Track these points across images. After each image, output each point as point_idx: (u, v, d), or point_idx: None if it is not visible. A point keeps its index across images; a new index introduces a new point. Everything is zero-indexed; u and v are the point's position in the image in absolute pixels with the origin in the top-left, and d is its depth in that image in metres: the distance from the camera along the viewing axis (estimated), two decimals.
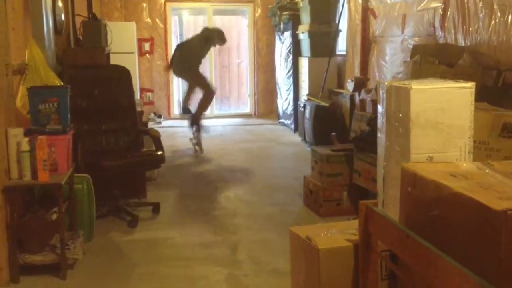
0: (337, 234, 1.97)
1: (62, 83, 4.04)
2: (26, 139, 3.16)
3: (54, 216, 3.26)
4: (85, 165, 3.95)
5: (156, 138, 4.47)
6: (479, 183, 1.69)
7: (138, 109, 4.98)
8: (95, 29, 5.30)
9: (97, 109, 4.44)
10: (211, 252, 3.61)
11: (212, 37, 7.16)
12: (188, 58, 7.05)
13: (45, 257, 3.22)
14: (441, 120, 2.00)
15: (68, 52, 5.19)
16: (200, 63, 7.25)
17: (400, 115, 2.05)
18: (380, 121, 2.25)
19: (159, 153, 4.36)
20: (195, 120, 7.10)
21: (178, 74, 7.51)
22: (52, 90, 3.62)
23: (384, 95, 2.20)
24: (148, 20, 9.41)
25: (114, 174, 4.23)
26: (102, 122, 4.46)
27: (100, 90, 4.48)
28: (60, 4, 5.11)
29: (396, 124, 2.09)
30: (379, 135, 2.28)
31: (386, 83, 2.20)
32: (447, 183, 1.68)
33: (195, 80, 7.17)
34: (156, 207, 4.43)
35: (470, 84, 2.02)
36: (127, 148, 4.46)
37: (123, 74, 4.60)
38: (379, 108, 2.27)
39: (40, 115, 3.43)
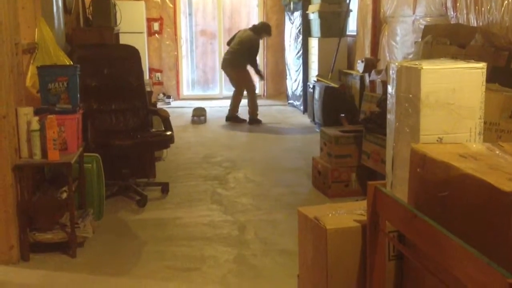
0: (345, 215, 1.97)
1: (72, 63, 4.04)
2: (36, 118, 3.17)
3: (64, 195, 3.29)
4: (94, 145, 3.96)
5: (165, 118, 4.48)
6: (489, 164, 1.68)
7: (147, 89, 4.98)
8: (104, 8, 5.28)
9: (106, 89, 4.45)
10: (219, 232, 3.63)
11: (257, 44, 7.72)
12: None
13: (55, 235, 3.26)
14: (451, 101, 1.98)
15: (78, 31, 5.18)
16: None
17: (410, 95, 2.04)
18: (390, 102, 2.23)
19: (168, 133, 4.37)
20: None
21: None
22: (62, 69, 3.62)
23: (395, 76, 2.18)
24: None
25: (123, 154, 4.26)
26: (112, 102, 4.47)
27: (110, 69, 4.48)
28: None
29: (406, 104, 2.08)
30: (388, 116, 2.26)
31: (396, 64, 2.18)
32: (456, 164, 1.66)
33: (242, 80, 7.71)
34: (165, 187, 4.45)
35: (482, 65, 2.00)
36: (136, 128, 4.47)
37: (133, 53, 4.59)
38: (389, 89, 2.26)
39: (50, 94, 3.44)
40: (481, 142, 2.02)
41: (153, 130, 4.65)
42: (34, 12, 3.85)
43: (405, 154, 2.01)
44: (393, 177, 2.17)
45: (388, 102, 2.30)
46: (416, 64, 2.02)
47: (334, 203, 2.32)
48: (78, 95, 3.51)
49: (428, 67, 1.97)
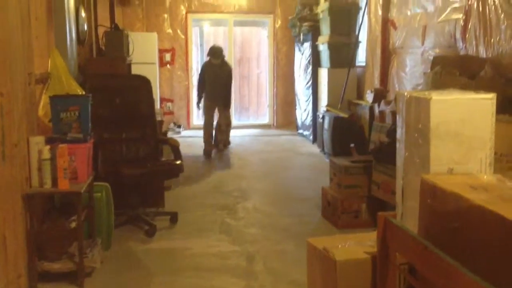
0: (354, 246, 1.95)
1: (84, 92, 4.09)
2: (47, 147, 3.20)
3: (73, 224, 3.29)
4: (104, 174, 3.98)
5: (175, 148, 4.49)
6: (500, 196, 1.66)
7: (158, 118, 5.02)
8: (117, 39, 5.37)
9: (117, 118, 4.49)
10: (228, 263, 3.60)
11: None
12: None
13: (63, 264, 3.24)
14: (461, 131, 1.97)
15: (90, 61, 5.25)
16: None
17: (420, 126, 2.03)
18: (400, 131, 2.23)
19: (178, 162, 4.38)
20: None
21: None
22: (74, 99, 3.66)
23: (404, 106, 2.18)
24: (170, 31, 9.50)
25: (133, 183, 4.26)
26: (122, 131, 4.50)
27: (121, 99, 4.52)
28: (83, 14, 5.18)
29: (416, 135, 2.07)
30: (398, 146, 2.25)
31: (405, 94, 2.18)
32: (467, 195, 1.65)
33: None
34: (174, 217, 4.44)
35: (491, 95, 1.99)
36: (147, 157, 4.49)
37: (144, 83, 4.64)
38: (399, 119, 2.25)
39: (62, 123, 3.47)
40: (491, 173, 2.00)
41: (163, 159, 4.66)
42: (48, 42, 3.92)
43: (415, 185, 2.00)
44: (403, 208, 2.14)
45: (397, 132, 2.29)
46: (425, 95, 2.02)
47: (344, 234, 2.29)
48: (90, 125, 3.54)
49: (437, 97, 1.96)
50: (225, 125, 7.65)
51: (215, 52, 7.33)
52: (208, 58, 7.47)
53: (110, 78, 4.74)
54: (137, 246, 3.92)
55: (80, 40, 5.04)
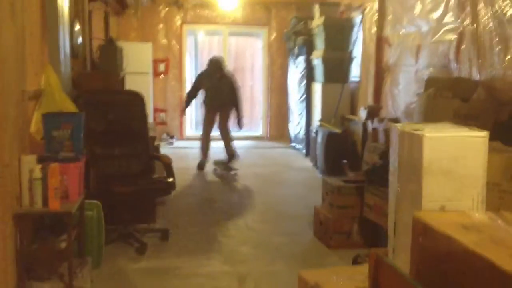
0: (346, 282, 1.94)
1: (77, 108, 4.07)
2: (39, 166, 3.17)
3: (63, 244, 3.26)
4: (96, 191, 3.95)
5: (167, 165, 4.48)
6: (491, 237, 1.66)
7: (151, 133, 5.00)
8: (111, 53, 5.36)
9: (110, 134, 4.47)
10: (218, 284, 3.58)
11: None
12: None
13: (53, 285, 3.21)
14: (454, 169, 1.98)
15: (84, 76, 5.24)
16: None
17: (413, 161, 2.04)
18: (392, 165, 2.23)
19: (170, 180, 4.36)
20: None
21: None
22: (67, 116, 3.63)
23: (397, 139, 2.18)
24: (164, 40, 9.50)
25: (124, 200, 4.24)
26: (115, 147, 4.48)
27: (114, 115, 4.50)
28: (77, 27, 5.17)
29: (408, 170, 2.07)
30: (390, 179, 2.26)
31: (398, 127, 2.19)
32: (458, 237, 1.65)
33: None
34: (165, 234, 4.42)
35: (484, 133, 2.00)
36: (139, 173, 4.47)
37: (137, 99, 4.62)
38: (391, 152, 2.26)
39: (54, 141, 3.45)
40: (483, 210, 2.01)
41: (155, 175, 4.64)
42: (42, 58, 3.90)
43: (408, 219, 2.00)
44: (395, 242, 2.15)
45: (390, 164, 2.30)
46: (418, 130, 2.02)
47: (335, 267, 2.29)
48: (82, 143, 3.52)
49: (430, 134, 1.97)
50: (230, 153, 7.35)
51: (215, 64, 7.06)
52: (206, 69, 7.21)
53: (103, 93, 4.72)
54: (127, 264, 3.90)
55: (74, 54, 5.02)
